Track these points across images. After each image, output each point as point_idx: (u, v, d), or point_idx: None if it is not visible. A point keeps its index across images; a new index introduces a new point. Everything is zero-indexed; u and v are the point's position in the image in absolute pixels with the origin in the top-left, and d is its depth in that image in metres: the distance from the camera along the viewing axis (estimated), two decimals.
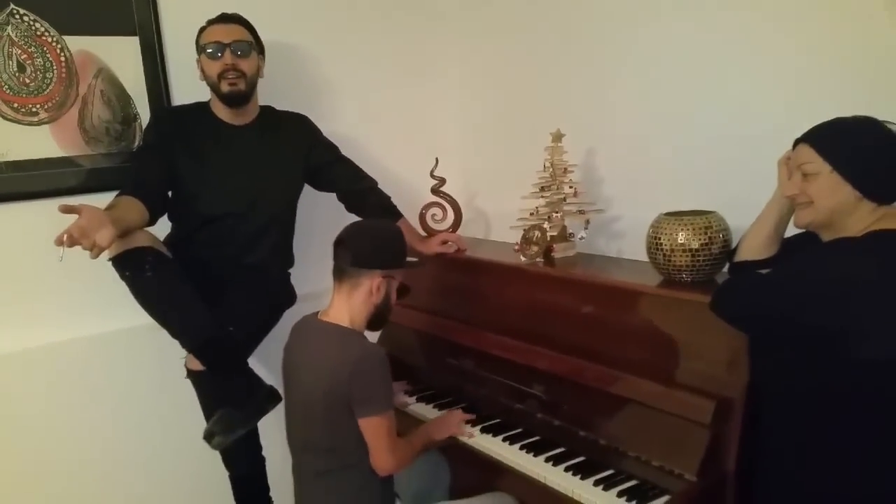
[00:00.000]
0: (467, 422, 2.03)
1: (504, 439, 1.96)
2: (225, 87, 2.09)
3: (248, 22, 2.16)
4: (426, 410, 2.19)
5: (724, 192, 1.92)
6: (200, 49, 2.11)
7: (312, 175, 2.33)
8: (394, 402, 1.85)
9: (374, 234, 1.90)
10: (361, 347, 1.80)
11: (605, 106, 2.32)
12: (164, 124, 2.17)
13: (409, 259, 1.99)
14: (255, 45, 2.16)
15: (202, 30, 2.13)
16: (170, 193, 2.16)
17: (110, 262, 1.90)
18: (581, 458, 1.82)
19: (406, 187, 2.65)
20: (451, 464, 2.20)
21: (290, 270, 2.38)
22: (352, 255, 1.83)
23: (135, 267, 1.89)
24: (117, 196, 1.99)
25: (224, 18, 2.13)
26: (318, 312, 1.93)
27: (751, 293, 1.49)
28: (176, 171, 2.11)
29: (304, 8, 2.57)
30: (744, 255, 1.62)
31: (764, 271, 1.54)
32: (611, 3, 2.26)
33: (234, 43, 2.09)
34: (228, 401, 1.98)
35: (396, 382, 2.25)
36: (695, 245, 1.73)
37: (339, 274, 1.87)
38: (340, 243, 1.86)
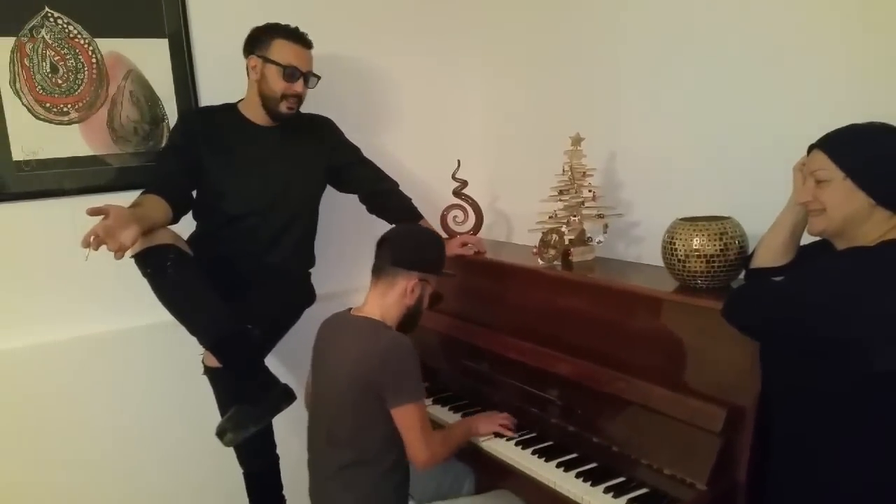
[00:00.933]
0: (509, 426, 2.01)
1: (517, 443, 1.95)
2: (283, 108, 2.15)
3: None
4: (442, 413, 2.19)
5: (743, 197, 1.89)
6: (273, 61, 2.11)
7: (335, 176, 2.36)
8: (424, 392, 1.85)
9: (417, 238, 1.97)
10: (391, 337, 1.82)
11: (626, 111, 2.31)
12: (191, 124, 2.21)
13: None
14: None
15: (277, 35, 2.12)
16: (194, 192, 2.20)
17: (133, 259, 1.94)
18: (593, 465, 1.81)
19: (428, 189, 2.67)
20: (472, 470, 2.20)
21: (311, 270, 2.40)
22: (392, 253, 1.88)
23: (156, 264, 1.93)
24: (142, 193, 2.03)
25: (306, 42, 2.17)
26: (350, 309, 1.95)
27: (761, 302, 1.46)
28: (201, 169, 2.15)
29: (328, 14, 2.60)
30: (759, 261, 1.60)
31: (778, 279, 1.52)
32: (632, 9, 2.25)
33: (309, 74, 2.16)
34: (243, 398, 2.01)
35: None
36: (710, 251, 1.70)
37: (378, 272, 1.91)
38: (384, 242, 1.92)
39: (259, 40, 2.14)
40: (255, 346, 2.08)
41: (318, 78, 2.20)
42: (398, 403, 1.77)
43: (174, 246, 1.97)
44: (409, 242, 1.93)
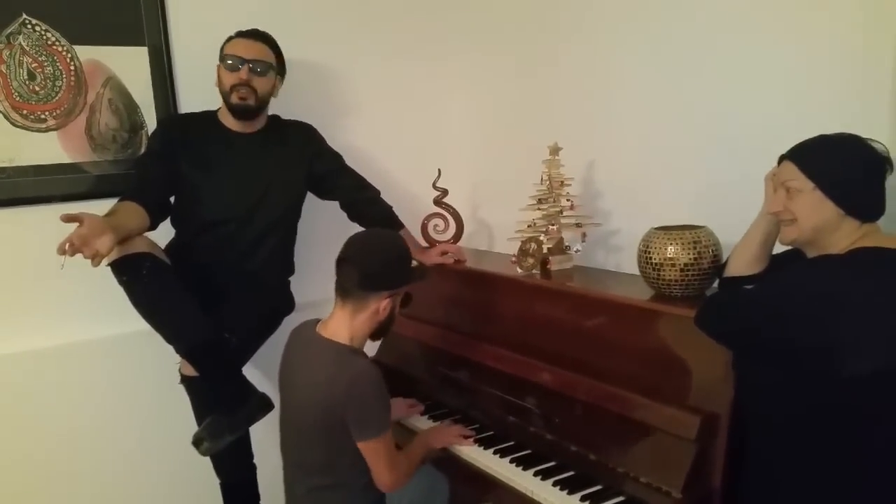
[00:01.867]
0: (466, 436, 2.02)
1: (495, 452, 1.95)
2: (234, 100, 2.13)
3: (275, 43, 2.21)
4: (420, 422, 2.20)
5: (720, 207, 1.91)
6: (222, 58, 2.16)
7: (316, 183, 2.36)
8: (391, 420, 1.82)
9: (382, 254, 1.84)
10: (356, 369, 1.75)
11: (604, 121, 2.33)
12: (170, 130, 2.20)
13: (415, 266, 1.99)
14: (275, 67, 2.21)
15: (229, 39, 2.17)
16: (172, 199, 2.19)
17: (109, 268, 1.93)
18: (571, 473, 1.82)
19: (409, 198, 2.67)
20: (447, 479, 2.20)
21: (290, 279, 2.40)
22: (359, 277, 1.79)
23: (132, 272, 1.92)
24: (120, 200, 2.03)
25: (252, 34, 2.17)
26: (318, 321, 1.91)
27: (734, 310, 1.48)
28: (179, 176, 2.14)
29: (309, 21, 2.61)
30: (732, 270, 1.61)
31: (750, 287, 1.53)
32: (611, 19, 2.27)
33: (254, 61, 2.14)
34: (219, 407, 2.00)
35: (408, 401, 2.26)
36: (684, 259, 1.72)
37: (344, 293, 1.83)
38: (346, 262, 1.81)
39: (221, 48, 2.18)
40: (232, 354, 2.07)
41: (269, 64, 2.17)
42: (364, 438, 1.75)
43: (150, 254, 1.97)
44: (374, 261, 1.80)
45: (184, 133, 2.18)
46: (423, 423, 2.19)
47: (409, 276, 1.90)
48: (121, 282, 1.94)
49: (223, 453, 2.07)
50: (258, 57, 2.15)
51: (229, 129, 2.22)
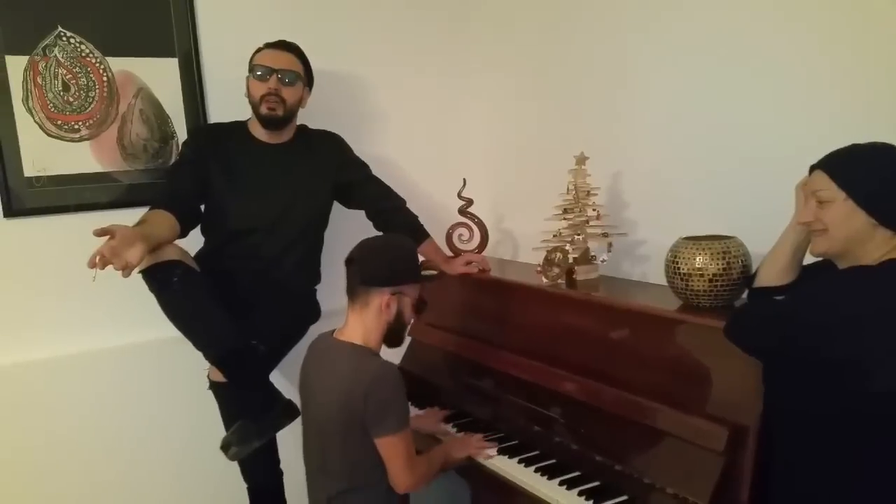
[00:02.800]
0: (489, 448, 2.01)
1: (520, 461, 1.95)
2: (264, 110, 2.16)
3: (303, 54, 2.24)
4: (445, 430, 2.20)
5: (747, 216, 1.89)
6: (251, 69, 2.18)
7: (342, 193, 2.38)
8: (409, 420, 1.84)
9: (383, 252, 1.90)
10: (374, 366, 1.79)
11: (631, 130, 2.33)
12: (200, 140, 2.24)
13: (424, 272, 1.99)
14: (303, 77, 2.23)
15: (258, 50, 2.20)
16: (202, 207, 2.23)
17: (140, 275, 1.96)
18: (596, 483, 1.81)
19: (434, 207, 2.69)
20: (469, 487, 2.20)
21: (317, 287, 2.42)
22: (360, 272, 1.85)
23: (163, 280, 1.95)
24: (151, 208, 2.06)
25: (281, 45, 2.20)
26: (334, 330, 1.94)
27: (763, 321, 1.46)
28: (209, 185, 2.18)
29: (335, 33, 2.65)
30: (762, 280, 1.60)
31: (780, 298, 1.52)
32: (636, 31, 2.27)
33: (282, 71, 2.16)
34: (247, 413, 2.02)
35: (431, 409, 2.27)
36: (713, 270, 1.71)
37: (351, 293, 1.88)
38: (351, 262, 1.88)
39: (250, 60, 2.21)
40: (260, 361, 2.09)
41: (297, 74, 2.20)
42: (381, 434, 1.76)
43: (181, 262, 1.99)
44: (374, 258, 1.87)
45: (214, 143, 2.21)
46: (449, 431, 2.19)
47: (410, 275, 1.91)
48: (152, 289, 1.97)
49: (250, 459, 2.08)
50: (286, 67, 2.17)
51: (259, 139, 2.24)
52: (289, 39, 2.23)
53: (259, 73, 2.15)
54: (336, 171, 2.34)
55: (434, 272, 2.30)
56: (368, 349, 1.85)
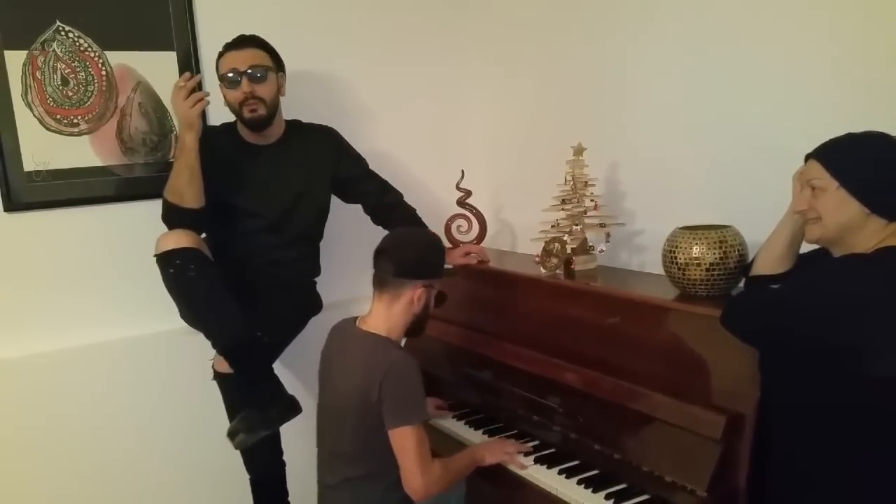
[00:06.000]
0: (522, 452, 1.94)
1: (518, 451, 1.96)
2: (246, 114, 2.13)
3: (263, 42, 2.17)
4: (445, 421, 2.22)
5: (743, 206, 1.90)
6: (220, 78, 2.14)
7: (340, 188, 2.38)
8: (425, 417, 1.82)
9: (417, 245, 1.92)
10: (395, 357, 1.79)
11: (628, 120, 2.33)
12: None
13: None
14: (273, 66, 2.16)
15: (220, 56, 2.15)
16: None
17: (155, 259, 1.97)
18: (595, 472, 1.83)
19: (432, 199, 2.69)
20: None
21: (317, 279, 2.43)
22: (394, 265, 1.84)
23: (180, 266, 1.96)
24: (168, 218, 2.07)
25: (239, 43, 2.13)
26: (356, 318, 1.94)
27: (759, 309, 1.48)
28: (207, 190, 2.15)
29: (334, 25, 2.64)
30: (758, 269, 1.61)
31: (776, 286, 1.53)
32: (635, 20, 2.27)
33: (251, 69, 2.10)
34: (252, 403, 2.03)
35: (435, 401, 2.27)
36: (710, 259, 1.72)
37: (381, 284, 1.88)
38: (382, 253, 1.88)
39: (216, 69, 2.17)
40: (266, 353, 2.10)
41: (266, 67, 2.12)
42: (394, 425, 1.75)
43: (197, 250, 2.00)
44: (409, 251, 1.88)
45: (205, 148, 2.16)
46: (448, 422, 2.21)
47: (442, 268, 1.95)
48: (166, 274, 1.97)
49: (254, 449, 2.10)
50: (254, 63, 2.11)
51: (248, 142, 2.23)
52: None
53: (229, 78, 2.10)
54: (333, 167, 2.33)
55: (451, 265, 2.30)
56: (390, 340, 1.86)
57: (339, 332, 1.98)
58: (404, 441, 1.74)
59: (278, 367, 2.22)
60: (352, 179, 2.37)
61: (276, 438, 2.26)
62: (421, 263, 1.88)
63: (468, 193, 2.58)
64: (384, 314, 1.87)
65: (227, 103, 2.16)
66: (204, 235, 2.14)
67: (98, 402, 2.31)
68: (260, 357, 2.09)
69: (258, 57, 2.13)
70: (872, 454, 1.34)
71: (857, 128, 1.43)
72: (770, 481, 1.53)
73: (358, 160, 2.40)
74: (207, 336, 2.03)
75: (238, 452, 2.17)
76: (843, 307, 1.31)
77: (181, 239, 1.98)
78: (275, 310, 2.21)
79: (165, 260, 1.97)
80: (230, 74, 2.11)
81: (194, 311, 2.02)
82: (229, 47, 2.14)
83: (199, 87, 1.94)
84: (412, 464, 1.74)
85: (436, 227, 2.48)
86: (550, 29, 2.61)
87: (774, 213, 1.60)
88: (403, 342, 1.99)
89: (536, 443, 2.00)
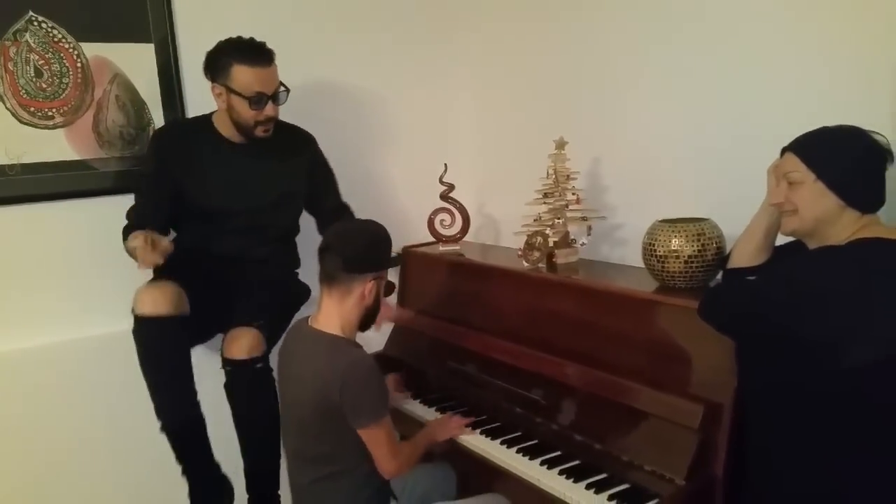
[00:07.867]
0: (466, 425, 2.05)
1: (502, 442, 1.98)
2: (259, 133, 2.10)
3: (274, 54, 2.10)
4: (428, 413, 2.22)
5: (723, 199, 1.92)
6: (237, 92, 2.03)
7: (307, 197, 2.36)
8: (387, 408, 1.84)
9: (363, 238, 1.88)
10: (350, 358, 1.79)
11: (610, 115, 2.34)
12: (164, 144, 2.18)
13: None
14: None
15: (235, 61, 2.03)
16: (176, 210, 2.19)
17: (133, 317, 1.98)
18: (576, 462, 1.84)
19: (415, 193, 2.69)
20: (456, 472, 2.22)
21: (297, 270, 2.41)
22: (343, 260, 1.82)
23: (153, 336, 1.97)
24: (125, 230, 2.05)
25: (262, 60, 2.04)
26: (308, 318, 1.93)
27: (735, 300, 1.50)
28: (180, 190, 2.14)
29: (316, 21, 2.62)
30: (735, 261, 1.63)
31: (752, 278, 1.55)
32: (616, 16, 2.28)
33: (278, 92, 2.08)
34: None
35: (391, 374, 2.29)
36: (688, 251, 1.74)
37: (329, 280, 1.85)
38: (328, 249, 1.86)
39: (218, 67, 2.06)
40: (206, 445, 2.12)
41: (288, 91, 2.12)
42: (362, 425, 1.77)
43: (175, 319, 1.98)
44: (356, 245, 1.85)
45: (178, 145, 2.15)
46: (432, 415, 2.21)
47: (390, 258, 1.94)
48: (137, 334, 1.99)
49: (250, 440, 2.13)
50: (277, 86, 2.08)
51: (225, 138, 2.18)
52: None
53: (255, 100, 2.03)
54: (309, 173, 2.31)
55: (398, 255, 2.30)
56: (345, 339, 1.85)
57: (293, 333, 1.96)
58: (373, 437, 1.80)
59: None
60: (315, 195, 2.35)
61: (274, 430, 2.13)
62: (369, 257, 1.86)
63: (451, 187, 2.58)
64: (336, 311, 1.85)
65: (237, 115, 2.08)
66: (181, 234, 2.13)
67: (75, 399, 2.26)
68: (202, 443, 2.10)
69: (277, 75, 2.09)
70: (846, 440, 1.37)
71: (833, 121, 1.46)
72: (747, 468, 1.56)
73: (326, 174, 2.38)
74: (157, 405, 2.03)
75: (223, 448, 2.18)
76: (817, 298, 1.33)
77: (159, 303, 1.95)
78: (263, 300, 2.18)
79: (139, 322, 1.97)
80: (258, 96, 2.04)
81: (151, 378, 2.01)
82: (256, 61, 2.03)
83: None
84: (385, 452, 1.82)
85: (419, 220, 2.48)
86: (533, 25, 2.61)
87: (751, 207, 1.62)
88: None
89: (519, 433, 2.00)
